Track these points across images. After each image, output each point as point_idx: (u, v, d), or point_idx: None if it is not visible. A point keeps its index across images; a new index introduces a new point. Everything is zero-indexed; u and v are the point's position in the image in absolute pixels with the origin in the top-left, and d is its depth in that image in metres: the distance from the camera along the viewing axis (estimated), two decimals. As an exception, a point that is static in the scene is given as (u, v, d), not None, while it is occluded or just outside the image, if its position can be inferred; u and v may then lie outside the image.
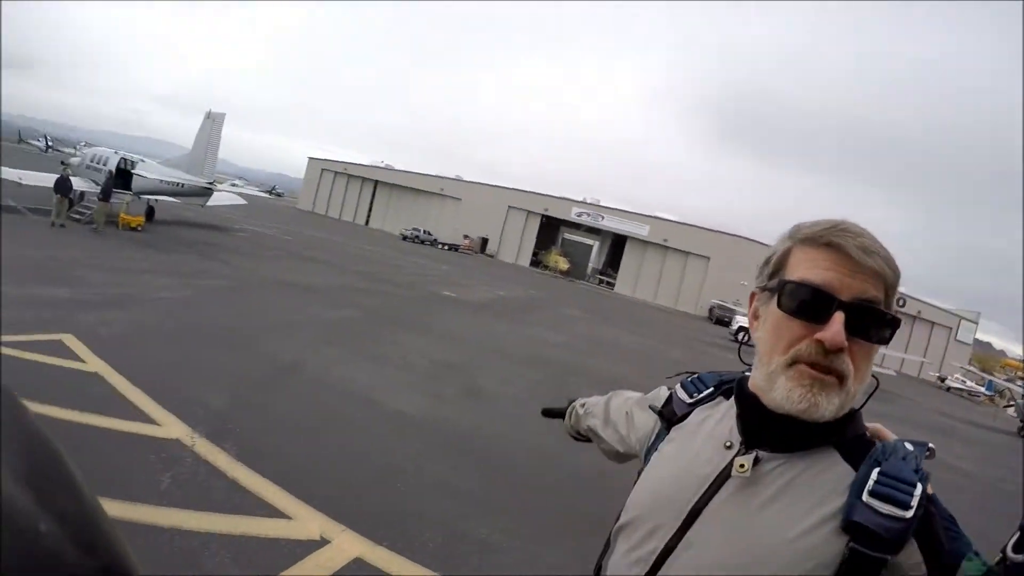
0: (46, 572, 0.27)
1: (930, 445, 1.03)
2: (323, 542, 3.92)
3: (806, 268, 1.01)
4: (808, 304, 0.99)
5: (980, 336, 71.83)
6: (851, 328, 0.95)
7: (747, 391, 1.10)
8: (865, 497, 0.90)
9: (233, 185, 41.51)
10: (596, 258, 65.48)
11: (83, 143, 33.30)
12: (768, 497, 0.98)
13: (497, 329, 15.36)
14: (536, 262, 62.90)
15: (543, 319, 20.06)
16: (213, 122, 23.16)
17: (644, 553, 1.06)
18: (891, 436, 1.07)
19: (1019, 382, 38.61)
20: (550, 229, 64.71)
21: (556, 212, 62.20)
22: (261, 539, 3.82)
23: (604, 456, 1.58)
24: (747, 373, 1.19)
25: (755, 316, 1.14)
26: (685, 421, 1.21)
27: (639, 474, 1.24)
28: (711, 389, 1.23)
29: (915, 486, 0.90)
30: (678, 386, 1.29)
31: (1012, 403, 28.12)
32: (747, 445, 1.05)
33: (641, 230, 58.73)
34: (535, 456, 6.29)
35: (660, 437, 1.25)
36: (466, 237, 62.40)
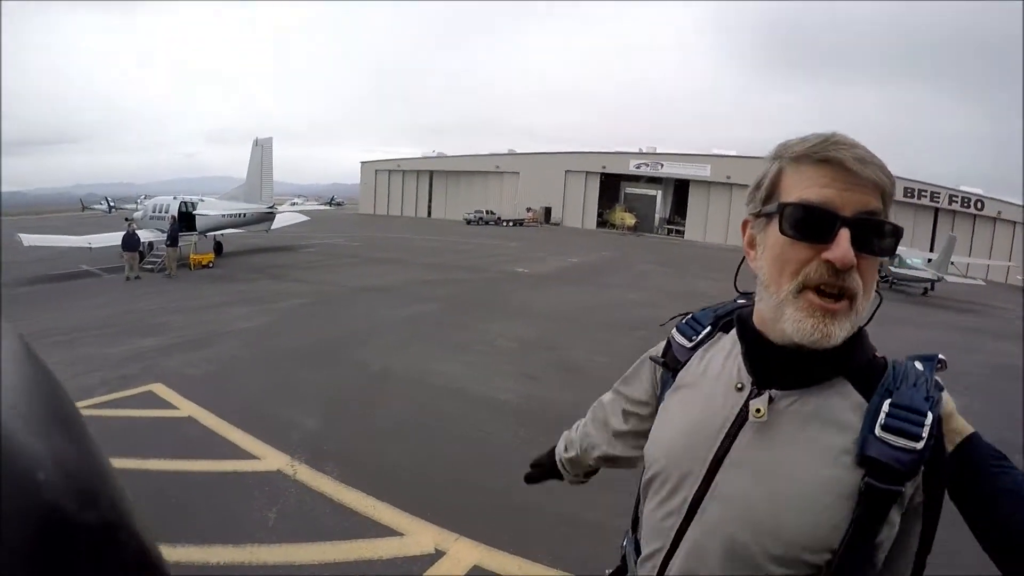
0: (44, 524, 0.25)
1: (940, 357, 1.03)
2: (439, 554, 3.91)
3: (804, 187, 0.98)
4: (811, 225, 0.95)
5: None
6: (856, 243, 0.92)
7: (751, 326, 1.08)
8: (878, 431, 0.92)
9: (293, 204, 42.46)
10: (662, 208, 64.10)
11: (143, 196, 34.61)
12: (787, 437, 0.98)
13: (576, 297, 15.28)
14: (602, 222, 62.09)
15: (619, 279, 19.83)
16: (262, 148, 23.64)
17: (675, 504, 1.06)
18: None
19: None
20: (611, 186, 63.64)
21: (614, 168, 61.06)
22: (376, 561, 3.84)
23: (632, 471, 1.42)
24: (740, 301, 1.22)
25: (751, 245, 1.11)
26: (688, 366, 1.19)
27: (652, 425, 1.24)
28: (708, 328, 1.21)
29: (926, 415, 0.92)
30: (674, 331, 1.27)
31: None
32: (758, 384, 1.04)
33: (703, 171, 57.06)
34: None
35: (667, 386, 1.23)
36: (529, 210, 62.12)
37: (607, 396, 1.54)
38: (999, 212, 50.22)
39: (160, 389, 6.97)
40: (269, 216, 23.97)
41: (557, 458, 1.73)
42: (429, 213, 73.24)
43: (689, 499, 1.04)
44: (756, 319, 1.07)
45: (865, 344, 1.04)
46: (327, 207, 67.19)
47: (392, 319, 11.30)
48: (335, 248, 26.35)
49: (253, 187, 23.80)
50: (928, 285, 24.80)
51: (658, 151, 60.38)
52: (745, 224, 1.13)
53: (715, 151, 58.86)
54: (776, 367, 1.03)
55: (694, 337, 1.21)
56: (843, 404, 0.98)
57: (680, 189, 61.49)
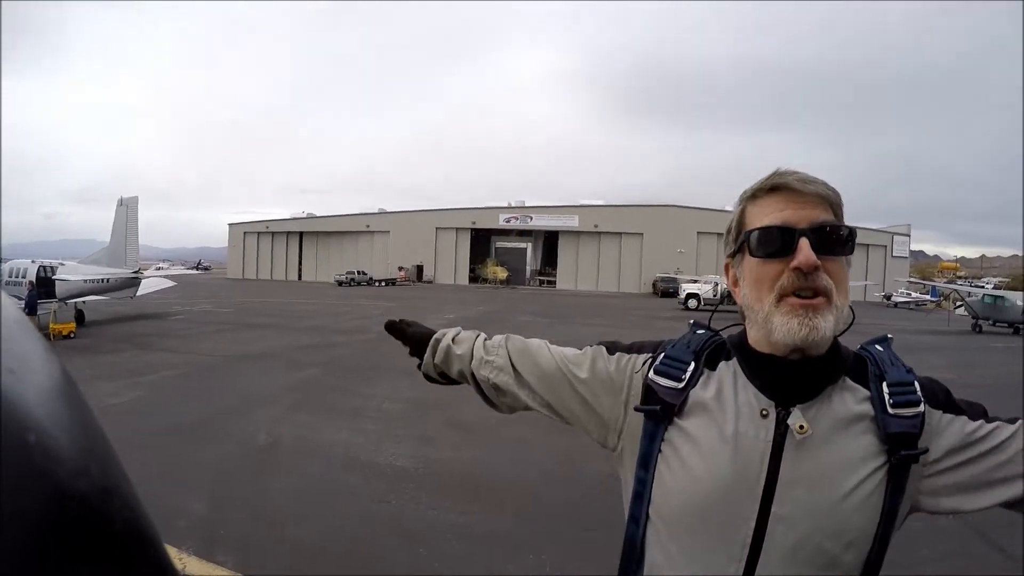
0: (34, 489, 0.25)
1: (888, 336, 1.21)
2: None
3: (763, 216, 1.10)
4: (775, 242, 1.07)
5: (914, 247, 75.76)
6: (817, 249, 1.03)
7: (754, 352, 1.13)
8: (890, 411, 1.05)
9: (158, 269, 40.20)
10: (532, 259, 65.94)
11: (-5, 260, 31.58)
12: (824, 442, 1.05)
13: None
14: (475, 277, 62.91)
15: (500, 332, 19.77)
16: (128, 208, 22.09)
17: (736, 548, 1.05)
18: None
19: (958, 281, 40.62)
20: (481, 241, 64.84)
21: (484, 223, 62.35)
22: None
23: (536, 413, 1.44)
24: (699, 332, 1.26)
25: (735, 283, 1.20)
26: (685, 408, 1.16)
27: (648, 477, 1.18)
28: (692, 364, 1.19)
29: (913, 383, 1.08)
30: (651, 374, 1.22)
31: (960, 303, 29.51)
32: (780, 405, 1.08)
33: (571, 222, 59.44)
34: (540, 474, 6.09)
35: (657, 436, 1.18)
36: (401, 269, 61.97)
37: (551, 357, 1.44)
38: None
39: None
40: (135, 281, 22.25)
41: (436, 340, 1.64)
42: (300, 276, 71.54)
43: (750, 536, 1.04)
44: (753, 344, 1.14)
45: (843, 346, 1.14)
46: (195, 271, 64.03)
47: (274, 388, 10.58)
48: (206, 315, 24.76)
49: (117, 250, 22.08)
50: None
51: (527, 204, 62.41)
52: (727, 268, 1.24)
53: (582, 201, 61.60)
54: (789, 384, 1.08)
55: (682, 376, 1.18)
56: (853, 398, 1.09)
57: (550, 240, 63.64)
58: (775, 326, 1.04)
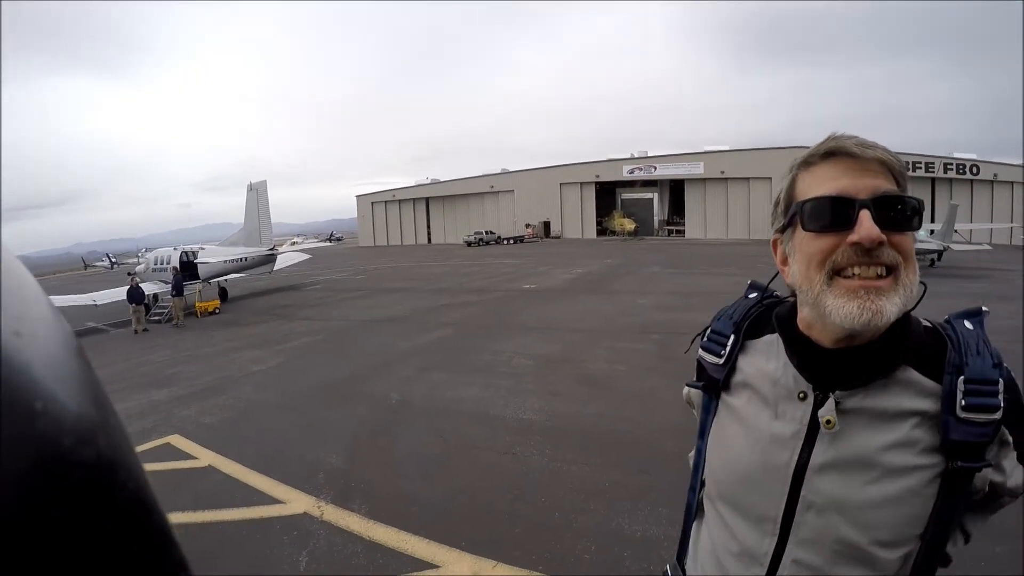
0: (38, 455, 0.24)
1: (983, 308, 1.05)
2: (478, 582, 3.79)
3: (817, 185, 1.01)
4: (831, 215, 0.97)
5: None
6: (880, 222, 0.93)
7: (796, 331, 1.08)
8: (960, 413, 0.93)
9: (293, 244, 42.76)
10: (659, 210, 64.15)
11: (143, 249, 34.76)
12: (864, 435, 0.98)
13: (586, 307, 15.19)
14: (602, 230, 62.18)
15: (627, 285, 19.74)
16: (257, 192, 23.86)
17: (768, 525, 1.06)
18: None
19: None
20: (607, 194, 63.79)
21: (608, 176, 61.24)
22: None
23: None
24: (751, 296, 1.27)
25: (783, 262, 1.13)
26: (731, 384, 1.19)
27: (703, 446, 1.24)
28: (732, 337, 1.20)
29: (998, 383, 0.93)
30: (700, 352, 1.27)
31: None
32: (818, 388, 1.03)
33: (696, 169, 57.15)
34: (665, 435, 6.07)
35: (711, 407, 1.23)
36: (528, 226, 62.36)
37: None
38: (995, 175, 50.51)
39: (178, 440, 6.90)
40: (271, 258, 24.11)
41: None
42: (429, 239, 73.60)
43: (780, 515, 1.04)
44: (802, 325, 1.07)
45: (915, 325, 1.04)
46: (327, 243, 67.51)
47: (406, 349, 11.21)
48: (340, 283, 26.39)
49: (252, 231, 23.96)
50: (935, 256, 24.78)
51: (649, 154, 60.57)
52: (775, 244, 1.16)
53: (706, 148, 58.96)
54: (833, 368, 1.02)
55: (722, 352, 1.20)
56: (912, 392, 0.98)
57: (676, 189, 61.62)
58: (830, 308, 0.95)
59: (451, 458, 5.84)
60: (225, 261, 22.47)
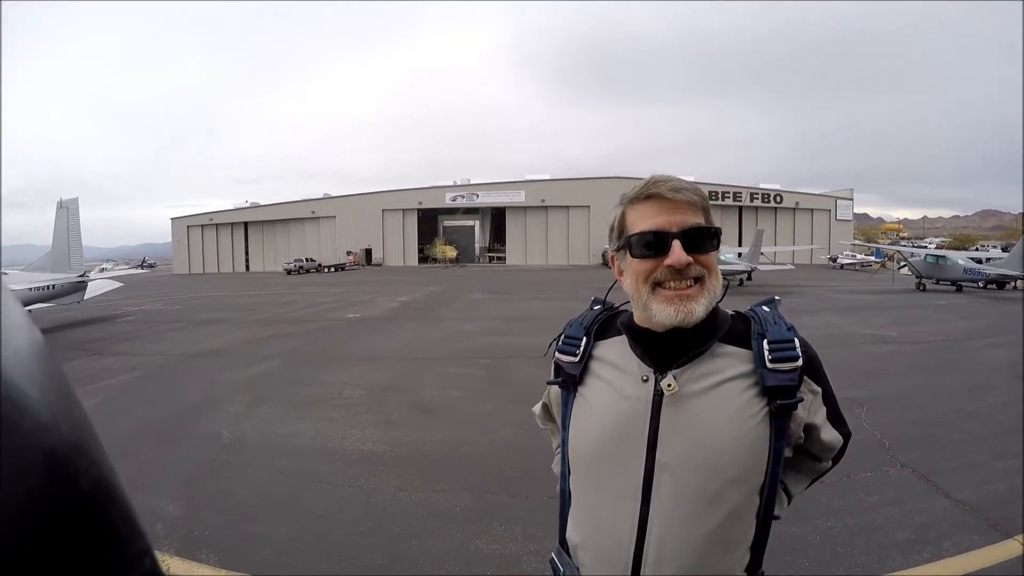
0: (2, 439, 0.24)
1: (776, 297, 1.45)
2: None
3: (640, 220, 1.30)
4: (652, 245, 1.26)
5: (857, 210, 78.57)
6: (688, 248, 1.24)
7: (638, 328, 1.35)
8: (769, 365, 1.24)
9: (103, 270, 38.71)
10: (481, 237, 65.83)
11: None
12: (700, 398, 1.25)
13: (414, 334, 15.23)
14: (424, 258, 62.56)
15: (452, 312, 20.06)
16: (68, 210, 21.17)
17: (631, 489, 1.27)
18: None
19: (902, 242, 42.30)
20: (429, 221, 64.41)
21: (431, 202, 61.89)
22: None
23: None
24: (595, 308, 1.55)
25: (619, 273, 1.41)
26: (586, 378, 1.43)
27: (567, 436, 1.46)
28: (584, 339, 1.46)
29: (793, 340, 1.27)
30: (556, 354, 1.51)
31: (903, 263, 30.57)
32: (658, 371, 1.30)
33: (518, 197, 59.43)
34: (505, 455, 6.31)
35: (569, 399, 1.46)
36: (349, 253, 61.18)
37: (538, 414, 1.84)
38: (797, 203, 58.75)
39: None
40: (81, 285, 21.35)
41: None
42: (247, 267, 69.78)
43: (641, 480, 1.26)
44: (638, 322, 1.36)
45: (722, 314, 1.36)
46: (140, 270, 61.94)
47: (232, 384, 10.41)
48: (156, 314, 23.90)
49: (60, 254, 21.15)
50: (744, 276, 27.97)
51: (472, 182, 61.98)
52: (612, 259, 1.44)
53: (528, 176, 61.36)
54: (667, 353, 1.30)
55: (577, 351, 1.45)
56: (731, 359, 1.29)
57: (497, 217, 63.49)
58: (654, 311, 1.25)
59: (296, 496, 5.51)
60: (31, 288, 19.22)
